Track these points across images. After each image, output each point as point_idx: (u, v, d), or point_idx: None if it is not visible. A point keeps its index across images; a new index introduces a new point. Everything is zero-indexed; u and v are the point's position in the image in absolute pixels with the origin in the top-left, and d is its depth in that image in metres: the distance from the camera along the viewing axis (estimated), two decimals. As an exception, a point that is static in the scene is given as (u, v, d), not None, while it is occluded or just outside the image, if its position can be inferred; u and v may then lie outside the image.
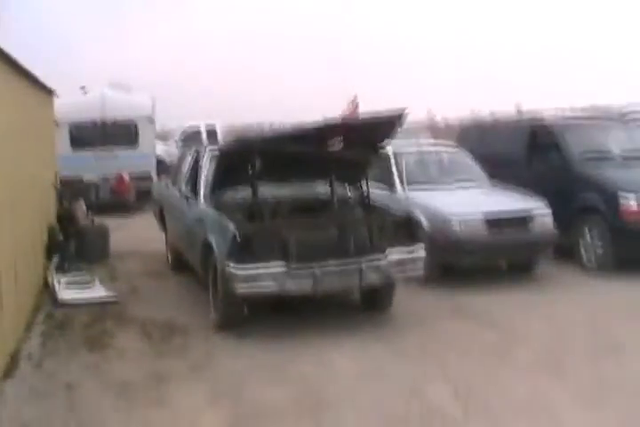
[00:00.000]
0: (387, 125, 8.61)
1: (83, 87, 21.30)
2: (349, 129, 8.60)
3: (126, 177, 19.30)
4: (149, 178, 20.09)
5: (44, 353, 7.47)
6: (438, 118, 37.10)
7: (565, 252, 11.08)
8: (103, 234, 12.51)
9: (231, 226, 7.73)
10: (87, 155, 19.27)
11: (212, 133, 28.77)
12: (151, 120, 20.67)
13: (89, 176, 18.54)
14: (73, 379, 6.69)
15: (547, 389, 6.27)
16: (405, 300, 8.97)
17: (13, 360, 7.13)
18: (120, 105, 20.18)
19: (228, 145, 8.53)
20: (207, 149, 9.91)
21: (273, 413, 5.86)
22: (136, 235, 14.44)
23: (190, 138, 28.14)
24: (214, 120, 30.44)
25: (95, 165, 19.19)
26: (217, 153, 9.22)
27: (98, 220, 13.23)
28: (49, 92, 12.51)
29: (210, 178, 9.28)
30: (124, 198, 19.01)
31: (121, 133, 20.12)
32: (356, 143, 8.65)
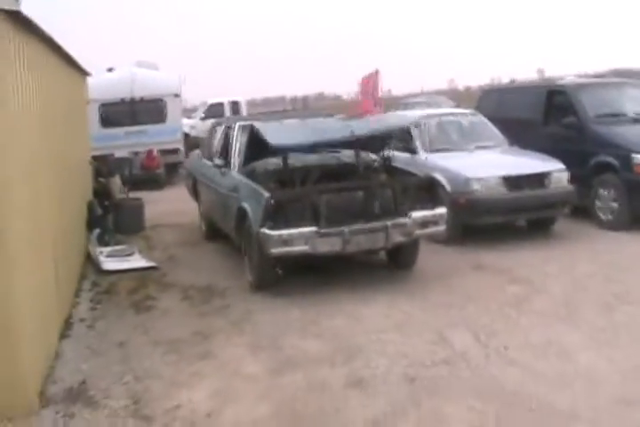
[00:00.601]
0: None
1: (110, 69, 21.78)
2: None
3: (156, 152, 19.85)
4: (178, 152, 20.76)
5: (94, 316, 8.06)
6: (460, 86, 37.42)
7: (582, 210, 11.50)
8: (139, 207, 13.08)
9: (265, 193, 8.24)
10: (117, 132, 19.78)
11: (235, 108, 29.38)
12: (178, 96, 21.21)
13: (120, 153, 19.04)
14: (124, 338, 7.27)
15: (562, 334, 6.75)
16: (429, 258, 9.47)
17: (67, 323, 7.73)
18: (148, 83, 20.66)
19: (255, 133, 8.96)
20: (237, 123, 10.37)
21: (309, 360, 6.39)
22: (168, 208, 14.98)
23: (214, 113, 28.79)
24: (237, 96, 31.00)
25: (125, 142, 19.71)
26: (247, 127, 9.71)
27: (131, 194, 13.81)
28: (84, 73, 13.00)
29: (242, 149, 9.80)
30: (155, 173, 19.55)
31: (149, 110, 20.65)
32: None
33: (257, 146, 9.30)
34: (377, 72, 17.64)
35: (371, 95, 17.41)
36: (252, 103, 33.35)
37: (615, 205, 11.07)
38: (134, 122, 20.44)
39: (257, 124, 9.23)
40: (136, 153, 19.65)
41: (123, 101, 20.40)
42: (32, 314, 5.87)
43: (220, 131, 11.33)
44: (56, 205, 7.78)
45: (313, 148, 9.32)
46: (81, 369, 6.46)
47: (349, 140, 9.31)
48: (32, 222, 6.20)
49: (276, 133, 8.84)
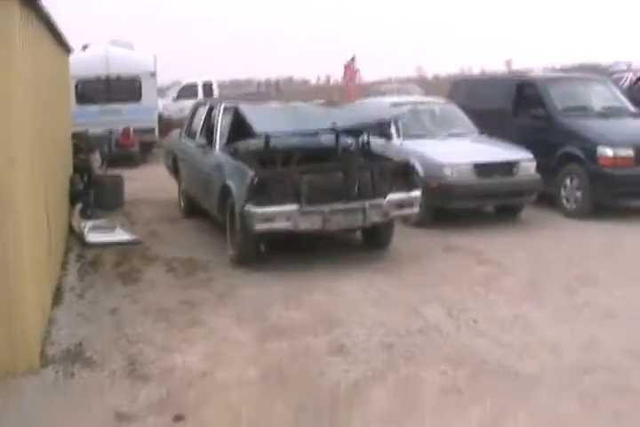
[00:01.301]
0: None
1: (85, 46, 21.89)
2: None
3: (131, 130, 20.09)
4: (152, 131, 21.04)
5: (83, 286, 8.41)
6: (428, 75, 38.04)
7: (547, 199, 12.04)
8: (118, 183, 13.41)
9: (250, 171, 8.64)
10: (92, 109, 19.92)
11: (207, 89, 29.63)
12: (153, 75, 21.38)
13: (94, 130, 19.18)
14: (114, 306, 7.65)
15: (527, 311, 7.28)
16: (402, 239, 9.94)
17: (58, 291, 8.08)
18: (123, 61, 20.81)
19: (241, 117, 9.32)
20: (222, 104, 10.73)
21: (292, 329, 6.83)
22: (145, 185, 15.34)
23: (187, 93, 29.09)
24: (209, 77, 31.23)
25: (100, 119, 19.87)
26: (231, 108, 10.07)
27: (108, 171, 14.12)
28: (67, 49, 13.24)
29: (225, 129, 10.16)
30: (129, 151, 19.79)
31: (125, 88, 20.84)
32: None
33: (240, 127, 9.66)
34: (354, 59, 18.03)
35: (351, 81, 17.82)
36: (220, 85, 33.49)
37: (579, 194, 11.63)
38: (110, 100, 20.59)
39: (242, 107, 9.58)
40: (110, 131, 19.84)
41: (98, 79, 20.52)
42: (33, 276, 6.21)
43: (202, 111, 11.67)
44: (45, 177, 8.09)
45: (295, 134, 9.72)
46: (76, 334, 6.82)
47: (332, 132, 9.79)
48: (31, 189, 6.48)
49: (260, 119, 9.18)
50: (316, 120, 9.62)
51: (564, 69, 27.04)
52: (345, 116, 9.88)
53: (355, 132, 10.20)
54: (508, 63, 72.32)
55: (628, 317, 7.09)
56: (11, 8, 5.73)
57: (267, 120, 9.24)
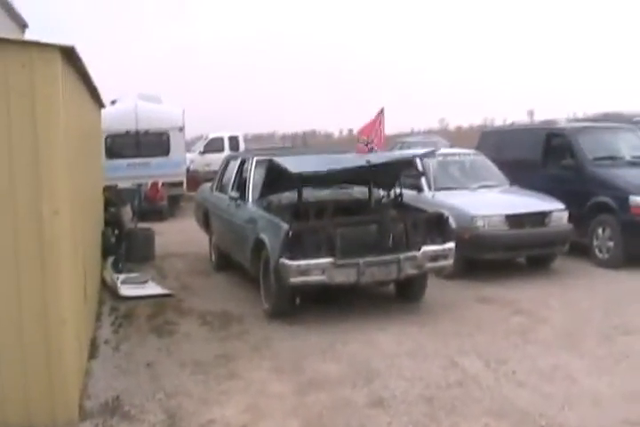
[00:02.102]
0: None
1: (114, 101, 22.24)
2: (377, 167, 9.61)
3: (160, 184, 20.29)
4: (181, 185, 21.26)
5: (117, 339, 8.43)
6: (451, 126, 38.35)
7: (580, 249, 11.99)
8: (149, 237, 13.52)
9: (284, 224, 8.68)
10: (121, 163, 20.18)
11: (234, 143, 29.98)
12: (182, 130, 21.69)
13: (123, 184, 19.39)
14: (150, 359, 7.65)
15: (566, 361, 7.21)
16: (435, 291, 9.91)
17: (93, 344, 8.10)
18: (152, 116, 21.16)
19: (276, 166, 9.41)
20: (254, 157, 10.84)
21: (330, 382, 6.80)
22: (174, 238, 15.43)
23: (214, 147, 29.46)
24: (236, 131, 31.65)
25: (129, 174, 20.11)
26: (263, 161, 10.17)
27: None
28: (101, 104, 13.46)
29: (258, 183, 10.24)
30: (158, 205, 19.96)
31: (153, 143, 21.16)
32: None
33: (273, 180, 9.75)
34: (382, 111, 18.09)
35: (380, 133, 17.85)
36: (244, 139, 33.87)
37: (611, 244, 11.58)
38: (138, 154, 20.90)
39: (275, 158, 9.68)
40: (139, 185, 20.05)
41: (127, 133, 20.87)
42: (72, 327, 6.23)
43: (234, 164, 11.81)
44: (81, 230, 8.18)
45: (330, 176, 9.57)
46: (113, 386, 6.82)
47: (362, 177, 9.83)
48: (71, 241, 6.56)
49: (294, 163, 9.29)
50: (350, 161, 9.71)
51: (587, 119, 27.10)
52: (377, 157, 9.97)
53: (386, 184, 10.26)
54: (531, 113, 72.77)
55: (670, 367, 7.00)
56: (55, 62, 5.85)
57: (301, 164, 9.33)
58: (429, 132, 52.53)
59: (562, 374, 6.86)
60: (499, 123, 61.22)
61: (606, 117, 22.12)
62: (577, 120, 32.43)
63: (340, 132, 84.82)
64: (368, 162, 9.29)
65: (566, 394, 6.33)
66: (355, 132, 23.76)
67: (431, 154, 10.88)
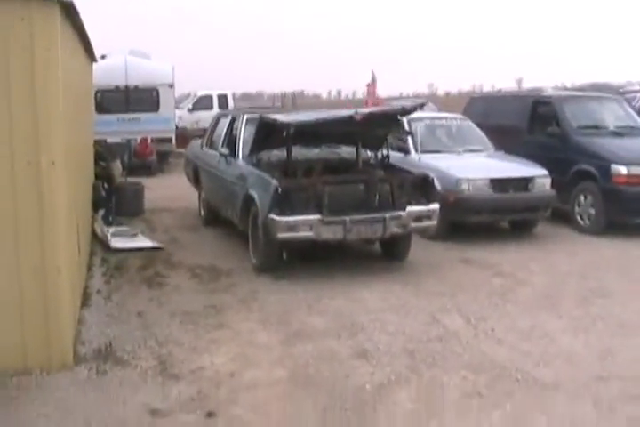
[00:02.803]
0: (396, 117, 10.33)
1: (104, 56, 22.19)
2: (371, 117, 9.71)
3: (149, 140, 20.41)
4: (170, 141, 21.39)
5: (109, 289, 8.66)
6: (440, 91, 38.47)
7: (562, 215, 12.28)
8: (139, 191, 13.70)
9: (273, 181, 8.88)
10: (111, 118, 20.23)
11: (223, 101, 29.99)
12: (171, 86, 21.75)
13: (112, 139, 19.44)
14: (141, 308, 7.88)
15: (544, 321, 7.49)
16: (420, 252, 10.17)
17: (85, 293, 8.31)
18: (142, 72, 21.21)
19: (266, 119, 9.59)
20: (244, 115, 11.00)
21: (316, 333, 7.06)
22: (163, 194, 15.60)
23: (203, 105, 29.50)
24: (225, 89, 31.64)
25: (118, 129, 20.20)
26: (254, 119, 10.34)
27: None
28: (93, 58, 13.51)
29: (248, 140, 10.42)
30: (147, 160, 20.10)
31: (143, 99, 21.21)
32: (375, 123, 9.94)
33: (263, 137, 9.93)
34: (373, 74, 18.35)
35: (372, 96, 18.12)
36: (233, 98, 33.89)
37: (593, 211, 11.86)
38: (128, 109, 20.97)
39: (265, 114, 9.87)
40: (129, 140, 20.15)
41: (117, 89, 20.90)
42: (67, 276, 6.41)
43: (224, 121, 11.96)
44: (75, 183, 8.34)
45: (318, 128, 9.66)
46: (105, 334, 7.05)
47: (351, 135, 10.03)
48: (66, 192, 6.71)
49: (285, 117, 9.56)
50: (338, 113, 9.91)
51: (575, 88, 27.29)
52: (366, 110, 10.18)
53: (374, 145, 10.45)
54: (519, 81, 72.89)
55: (641, 328, 7.31)
56: (53, 17, 5.96)
57: (291, 117, 9.58)
58: (418, 97, 52.59)
59: (539, 332, 7.14)
60: (487, 89, 61.39)
61: (594, 87, 22.36)
62: (565, 89, 32.67)
63: (329, 93, 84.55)
64: (356, 112, 9.45)
65: (542, 351, 6.61)
66: (343, 93, 23.95)
67: (420, 106, 10.99)
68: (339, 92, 68.11)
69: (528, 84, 58.29)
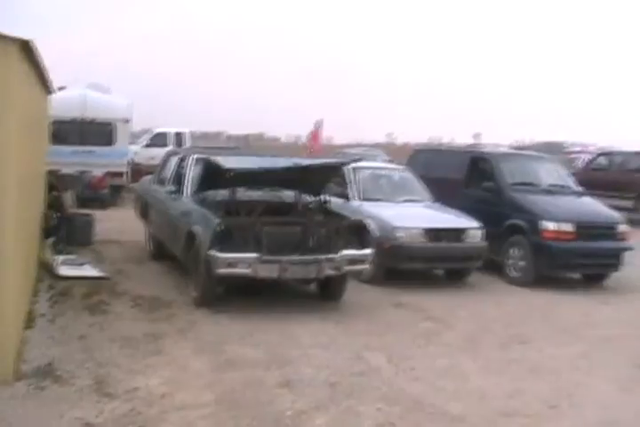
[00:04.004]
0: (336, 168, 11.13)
1: (62, 88, 22.53)
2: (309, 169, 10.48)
3: (103, 173, 20.76)
4: (123, 175, 21.73)
5: (53, 313, 8.98)
6: (398, 141, 39.38)
7: (494, 267, 12.91)
8: (89, 222, 14.04)
9: (215, 218, 9.37)
10: (66, 149, 20.44)
11: (179, 139, 30.44)
12: (128, 122, 22.21)
13: (66, 170, 19.71)
14: (83, 332, 8.23)
15: (462, 362, 8.02)
16: (355, 294, 10.68)
17: (29, 316, 8.65)
18: (100, 105, 21.64)
19: (213, 161, 10.11)
20: (193, 155, 11.50)
21: (246, 363, 7.48)
22: (113, 226, 15.92)
23: (159, 141, 29.93)
24: (183, 128, 32.14)
25: (73, 160, 20.50)
26: (202, 159, 10.85)
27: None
28: (50, 90, 13.88)
29: (194, 179, 10.93)
30: (100, 193, 20.42)
31: (99, 132, 21.62)
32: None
33: (209, 177, 10.43)
34: (321, 121, 18.98)
35: (317, 143, 18.74)
36: (192, 136, 34.33)
37: (523, 263, 12.50)
38: (83, 142, 21.32)
39: (212, 156, 10.38)
40: (82, 172, 20.48)
41: (74, 121, 21.23)
42: (13, 295, 6.78)
43: (174, 159, 12.45)
44: (25, 209, 8.70)
45: (260, 175, 10.30)
46: (47, 354, 7.38)
47: (292, 181, 10.57)
48: (16, 218, 7.10)
49: (229, 160, 10.04)
50: (281, 162, 10.48)
51: (528, 146, 28.32)
52: (305, 160, 10.78)
53: (315, 190, 10.99)
54: (477, 136, 74.34)
55: (552, 373, 7.86)
56: (12, 54, 6.39)
57: (235, 162, 10.07)
58: (376, 146, 53.51)
59: (456, 372, 7.66)
60: (445, 142, 62.65)
61: (547, 146, 23.32)
62: (521, 147, 33.74)
63: (287, 136, 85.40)
64: (295, 163, 10.02)
65: (456, 389, 7.12)
66: (303, 139, 24.70)
67: (356, 161, 11.66)
68: (297, 138, 68.98)
69: (486, 139, 59.64)
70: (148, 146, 30.28)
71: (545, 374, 7.82)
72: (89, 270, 11.25)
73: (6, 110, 6.41)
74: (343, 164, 11.22)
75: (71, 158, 20.54)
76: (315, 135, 18.60)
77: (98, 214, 15.36)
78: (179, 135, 30.85)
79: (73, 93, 21.82)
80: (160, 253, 12.45)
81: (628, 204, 21.97)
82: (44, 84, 12.11)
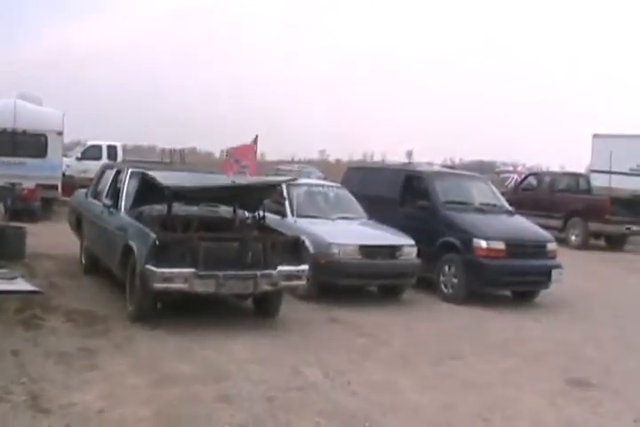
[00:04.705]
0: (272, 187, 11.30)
1: None
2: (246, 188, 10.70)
3: (34, 185, 20.45)
4: (55, 188, 21.45)
5: (-16, 328, 8.88)
6: (331, 158, 39.84)
7: (428, 284, 13.10)
8: (21, 235, 13.82)
9: (152, 233, 9.37)
10: None
11: (112, 152, 30.22)
12: (60, 134, 21.93)
13: (-4, 182, 19.42)
14: (16, 348, 8.12)
15: (397, 377, 8.13)
16: (290, 310, 10.72)
17: (-42, 333, 8.53)
18: (31, 116, 21.36)
19: (148, 178, 10.14)
20: (129, 169, 11.47)
21: (183, 378, 7.48)
22: (45, 240, 15.64)
23: (91, 154, 29.67)
24: (115, 141, 31.92)
25: (3, 172, 20.23)
26: (138, 174, 10.83)
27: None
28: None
29: (130, 193, 10.90)
30: (31, 205, 20.10)
31: (31, 144, 21.35)
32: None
33: (145, 192, 10.42)
34: (256, 138, 19.06)
35: (250, 160, 18.80)
36: (124, 150, 34.11)
37: (455, 280, 12.71)
38: (14, 153, 20.99)
39: (149, 171, 10.37)
40: (13, 184, 20.16)
41: (4, 131, 20.97)
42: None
43: (109, 173, 12.39)
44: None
45: (198, 192, 10.44)
46: (-22, 370, 7.32)
47: (229, 198, 10.64)
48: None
49: (167, 177, 10.04)
50: (218, 181, 10.47)
51: (461, 165, 28.89)
52: (244, 180, 10.82)
53: (252, 206, 11.05)
54: (409, 154, 75.20)
55: (483, 387, 8.03)
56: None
57: (172, 178, 10.07)
58: (309, 163, 53.87)
59: (391, 387, 7.77)
60: (377, 159, 63.30)
61: (481, 165, 23.87)
62: (446, 166, 34.21)
63: (221, 152, 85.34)
64: (233, 182, 10.09)
65: (392, 403, 7.23)
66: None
67: (292, 181, 11.77)
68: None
69: (418, 157, 60.45)
70: (80, 159, 29.99)
71: (477, 388, 7.98)
72: (21, 285, 11.11)
73: None
74: (280, 183, 11.33)
75: (2, 170, 20.26)
76: (249, 153, 18.70)
77: (29, 228, 15.13)
78: (111, 148, 30.64)
79: (3, 104, 21.54)
80: (94, 267, 12.37)
81: (557, 223, 22.55)
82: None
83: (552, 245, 13.36)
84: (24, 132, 21.24)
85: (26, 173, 20.78)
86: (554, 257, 13.33)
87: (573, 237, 22.75)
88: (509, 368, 8.91)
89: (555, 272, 12.92)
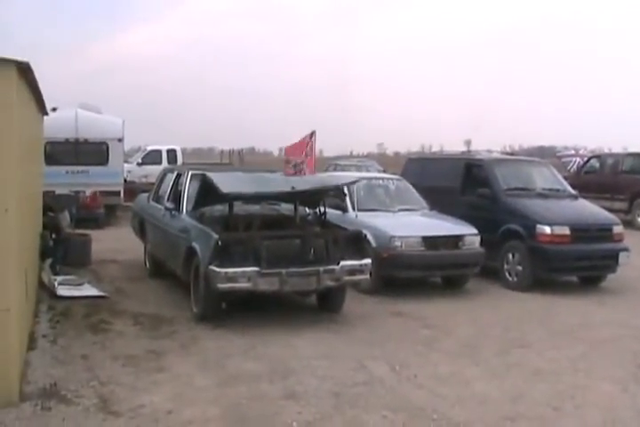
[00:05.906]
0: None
1: (54, 108, 22.59)
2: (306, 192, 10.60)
3: (97, 193, 20.80)
4: (118, 194, 21.78)
5: (55, 333, 9.02)
6: (389, 151, 39.65)
7: (492, 272, 12.96)
8: (86, 242, 14.07)
9: (214, 234, 9.41)
10: (59, 170, 20.55)
11: (172, 156, 30.56)
12: (121, 141, 22.22)
13: (60, 190, 19.73)
14: (85, 352, 8.27)
15: (464, 368, 8.07)
16: (354, 304, 10.72)
17: (31, 338, 8.69)
18: (92, 125, 21.69)
19: (208, 183, 10.13)
20: (189, 171, 11.56)
21: (250, 377, 7.52)
22: (110, 246, 15.96)
23: (151, 159, 30.04)
24: (175, 145, 32.27)
25: (67, 181, 20.58)
26: (198, 175, 10.89)
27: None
28: (44, 112, 13.97)
29: (192, 195, 10.97)
30: (95, 212, 20.45)
31: (92, 152, 21.70)
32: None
33: (206, 193, 10.47)
34: (313, 133, 19.01)
35: (310, 156, 18.75)
36: (183, 153, 34.46)
37: (520, 268, 12.55)
38: (77, 162, 21.37)
39: (209, 174, 10.41)
40: (77, 192, 20.49)
41: (67, 141, 21.31)
42: (17, 319, 6.84)
43: (170, 177, 12.50)
44: (25, 228, 8.76)
45: (258, 198, 10.54)
46: (50, 374, 7.42)
47: (291, 196, 10.62)
48: (18, 239, 7.17)
49: (226, 183, 10.02)
50: (277, 185, 10.47)
51: (522, 151, 28.57)
52: (303, 182, 10.78)
53: (313, 202, 11.06)
54: (468, 143, 74.53)
55: (552, 375, 7.91)
56: (10, 77, 6.51)
57: (231, 184, 10.05)
58: (368, 156, 53.74)
59: (458, 378, 7.70)
60: (436, 150, 63.05)
61: (540, 150, 23.58)
62: (512, 152, 33.91)
63: (280, 150, 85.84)
64: (292, 188, 10.11)
65: (459, 395, 7.16)
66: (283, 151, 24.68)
67: (353, 183, 11.70)
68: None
69: (477, 146, 59.99)
70: (141, 164, 30.42)
71: (546, 376, 7.87)
72: (88, 290, 11.30)
73: (8, 132, 6.51)
74: (340, 187, 11.26)
75: (66, 179, 20.63)
76: (305, 149, 18.64)
77: (94, 234, 15.39)
78: (171, 152, 31.00)
79: (65, 114, 21.82)
80: (159, 270, 12.50)
81: (622, 205, 22.13)
82: (40, 105, 12.21)
83: (618, 228, 13.10)
84: (86, 141, 21.60)
85: (89, 181, 21.14)
86: (620, 240, 13.06)
87: (640, 219, 22.31)
88: (578, 355, 8.77)
89: (622, 255, 12.69)
